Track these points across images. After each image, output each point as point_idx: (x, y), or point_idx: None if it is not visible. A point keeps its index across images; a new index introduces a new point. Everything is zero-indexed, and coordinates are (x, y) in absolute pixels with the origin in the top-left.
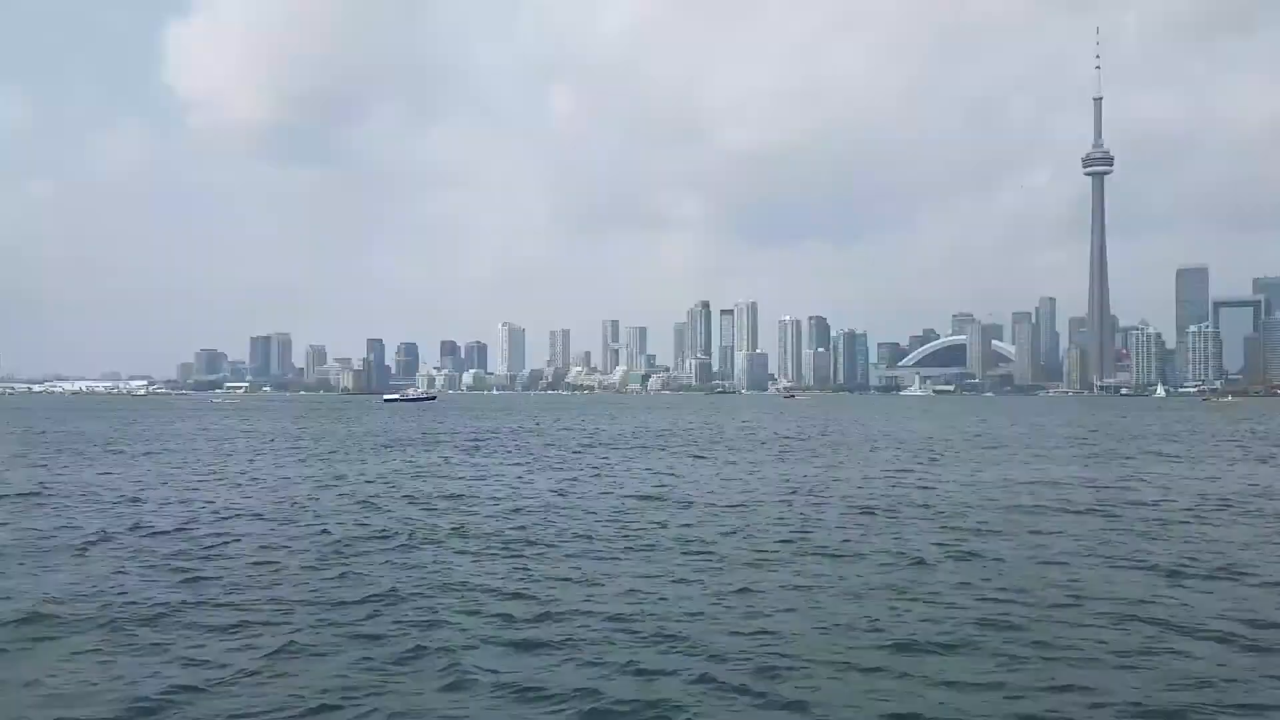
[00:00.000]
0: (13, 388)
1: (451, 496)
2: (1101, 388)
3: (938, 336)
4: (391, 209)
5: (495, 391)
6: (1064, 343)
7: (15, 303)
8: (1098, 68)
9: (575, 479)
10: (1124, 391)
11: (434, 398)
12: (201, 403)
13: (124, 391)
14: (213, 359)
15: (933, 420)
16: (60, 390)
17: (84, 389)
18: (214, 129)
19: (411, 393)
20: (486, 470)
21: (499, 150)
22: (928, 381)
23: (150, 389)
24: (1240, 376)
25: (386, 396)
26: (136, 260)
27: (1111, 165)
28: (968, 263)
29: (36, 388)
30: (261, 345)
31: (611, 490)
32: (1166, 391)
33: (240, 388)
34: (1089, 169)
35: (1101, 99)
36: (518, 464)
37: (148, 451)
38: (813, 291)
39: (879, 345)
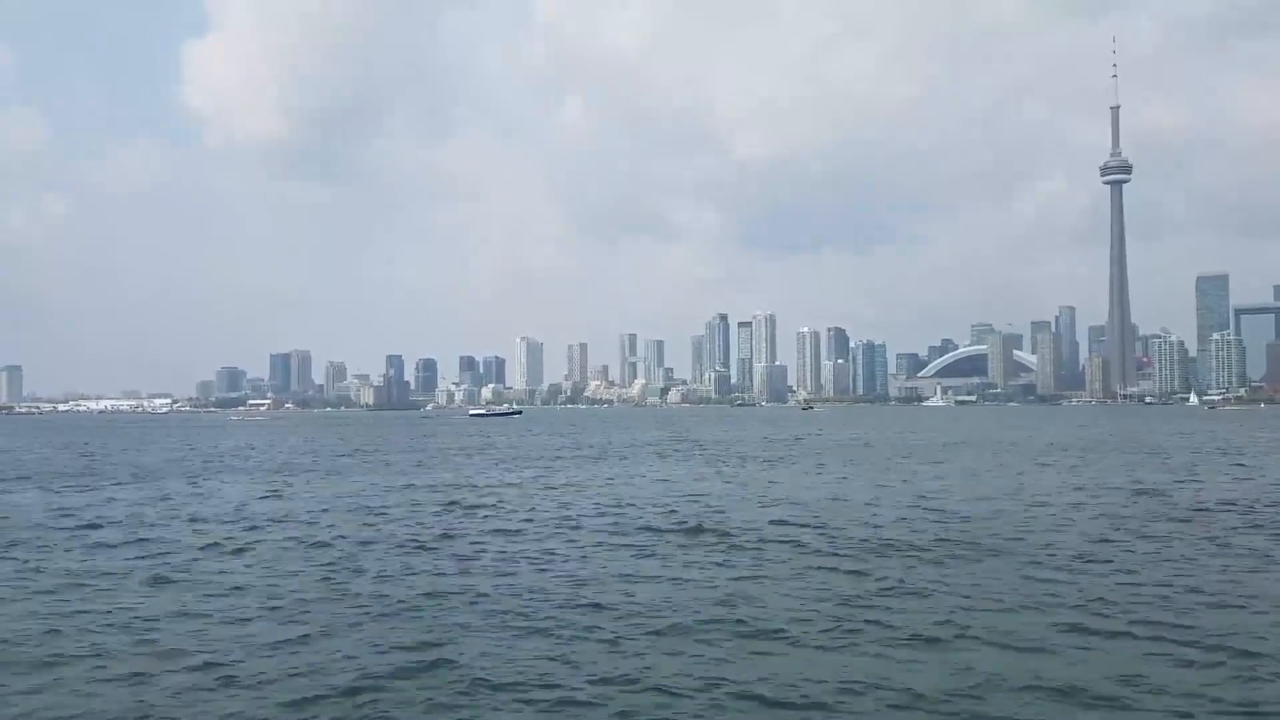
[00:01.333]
0: (39, 408)
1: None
2: (1125, 396)
3: (956, 346)
4: (407, 222)
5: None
6: (1083, 351)
7: (33, 322)
8: (1114, 76)
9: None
10: (1148, 400)
11: (520, 412)
12: (242, 420)
13: (148, 410)
14: (233, 376)
15: (1034, 429)
16: (86, 409)
17: (109, 408)
18: (229, 145)
19: (496, 409)
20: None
21: (512, 161)
22: (949, 392)
23: (175, 406)
24: (1263, 384)
25: (472, 411)
26: (153, 277)
27: (1130, 174)
28: (984, 271)
29: (62, 407)
30: (281, 362)
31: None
32: (1200, 399)
33: (263, 405)
34: (1107, 178)
35: (1119, 107)
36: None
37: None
38: (829, 301)
39: (897, 356)
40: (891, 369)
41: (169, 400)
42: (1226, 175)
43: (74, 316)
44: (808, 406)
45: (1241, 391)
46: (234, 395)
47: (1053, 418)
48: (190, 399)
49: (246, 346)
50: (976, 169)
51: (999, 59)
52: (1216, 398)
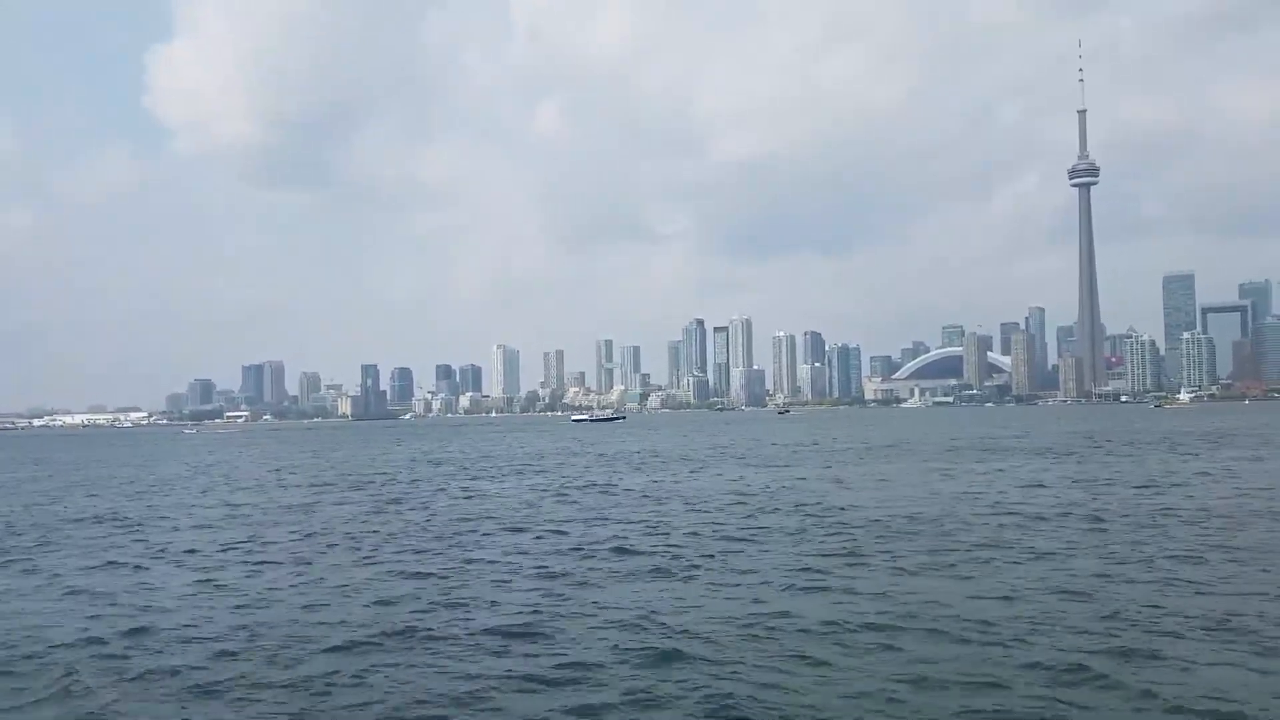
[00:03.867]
0: (13, 423)
1: None
2: (1099, 396)
3: (927, 349)
4: (382, 229)
5: (494, 415)
6: (1052, 352)
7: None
8: (1081, 80)
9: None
10: (1124, 399)
11: (624, 417)
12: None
13: (125, 424)
14: (205, 389)
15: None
16: (61, 424)
17: (86, 422)
18: (200, 152)
19: (600, 414)
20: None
21: (491, 167)
22: (926, 394)
23: (152, 420)
24: (1231, 381)
25: (575, 417)
26: (121, 288)
27: (1097, 176)
28: (954, 274)
29: (37, 422)
30: (254, 373)
31: None
32: (1190, 397)
33: (241, 417)
34: (1075, 180)
35: (1085, 111)
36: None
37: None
38: (802, 304)
39: (871, 358)
40: (865, 371)
41: (146, 414)
42: (1199, 175)
43: (36, 329)
44: (784, 410)
45: (1214, 389)
46: (207, 408)
47: (1049, 417)
48: (162, 412)
49: (215, 358)
50: (953, 171)
51: (984, 61)
52: (1189, 395)
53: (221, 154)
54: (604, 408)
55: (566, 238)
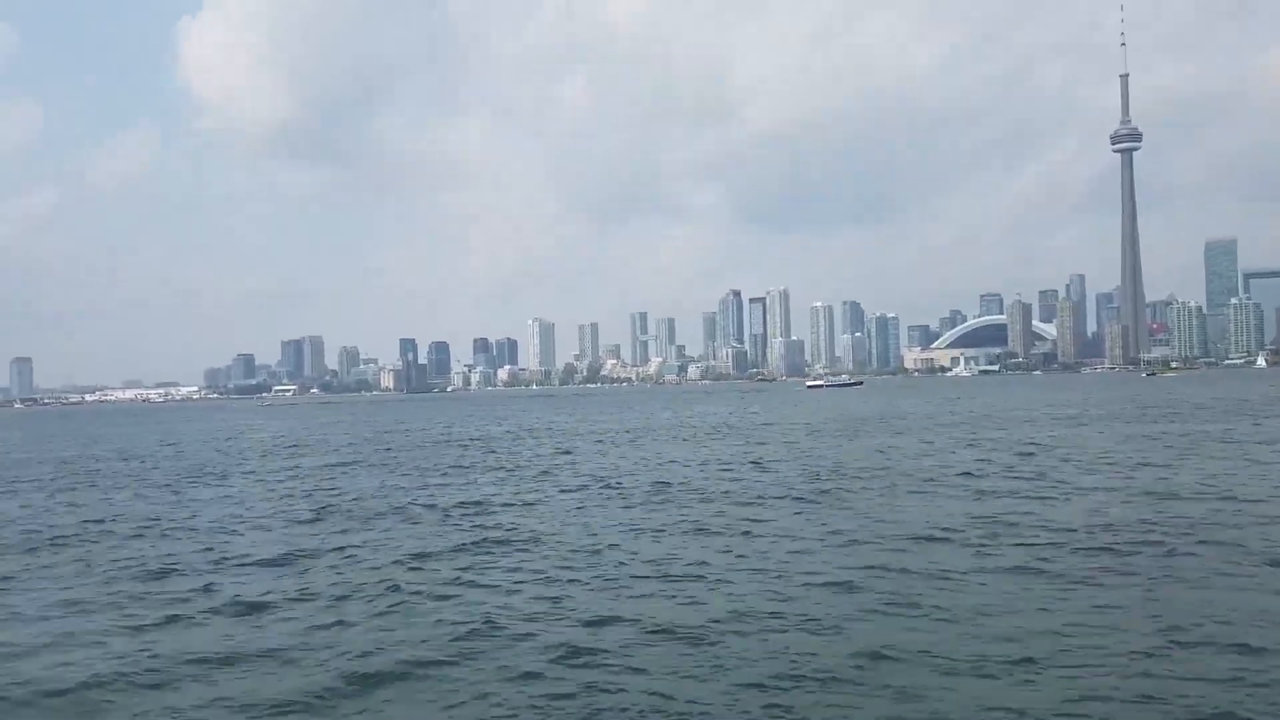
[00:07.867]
0: (65, 398)
1: None
2: (1147, 362)
3: (965, 318)
4: (410, 204)
5: (534, 387)
6: (1091, 319)
7: (33, 312)
8: (1123, 44)
9: None
10: (1174, 365)
11: (861, 383)
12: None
13: (166, 398)
14: (247, 364)
15: None
16: (113, 400)
17: (138, 397)
18: (227, 129)
19: (835, 380)
20: None
21: (518, 143)
22: (972, 362)
23: (203, 393)
24: (1278, 347)
25: (809, 383)
26: (152, 265)
27: (1140, 142)
28: (991, 242)
29: (90, 398)
30: (293, 348)
31: None
32: (1267, 362)
33: (289, 390)
34: (1117, 146)
35: (1128, 75)
36: None
37: None
38: (834, 275)
39: (909, 328)
40: (904, 341)
41: (195, 389)
42: (1240, 140)
43: (73, 306)
44: (817, 381)
45: (1262, 354)
46: (252, 382)
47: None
48: (206, 387)
49: (251, 334)
50: (987, 139)
51: (1020, 26)
52: (1239, 361)
53: (248, 131)
54: (643, 379)
55: (596, 212)
